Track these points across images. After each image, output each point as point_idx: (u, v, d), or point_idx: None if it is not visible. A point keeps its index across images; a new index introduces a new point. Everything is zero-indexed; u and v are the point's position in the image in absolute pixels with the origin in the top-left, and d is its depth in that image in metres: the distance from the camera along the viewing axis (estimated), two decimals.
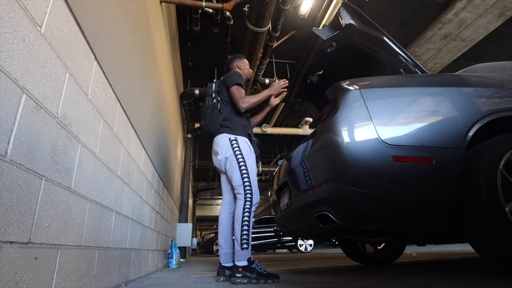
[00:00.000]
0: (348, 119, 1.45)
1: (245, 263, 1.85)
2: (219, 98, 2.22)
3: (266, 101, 2.38)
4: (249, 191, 1.98)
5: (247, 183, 2.00)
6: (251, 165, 2.06)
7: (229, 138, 2.09)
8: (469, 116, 1.45)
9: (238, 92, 2.13)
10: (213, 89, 2.29)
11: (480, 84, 1.66)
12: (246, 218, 1.93)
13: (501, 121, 1.47)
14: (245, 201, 1.97)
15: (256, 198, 2.01)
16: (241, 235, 1.90)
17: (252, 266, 1.85)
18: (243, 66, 2.40)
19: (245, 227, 1.91)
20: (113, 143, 1.59)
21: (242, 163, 2.03)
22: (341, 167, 1.41)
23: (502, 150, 1.35)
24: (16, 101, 0.79)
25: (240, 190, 2.00)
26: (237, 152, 2.05)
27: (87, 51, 1.24)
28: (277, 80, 2.23)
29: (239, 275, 1.83)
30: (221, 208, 2.22)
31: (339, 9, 2.03)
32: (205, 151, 11.14)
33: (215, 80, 2.41)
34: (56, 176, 0.99)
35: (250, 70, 2.46)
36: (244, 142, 2.11)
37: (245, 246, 1.88)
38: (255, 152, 2.21)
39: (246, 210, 1.94)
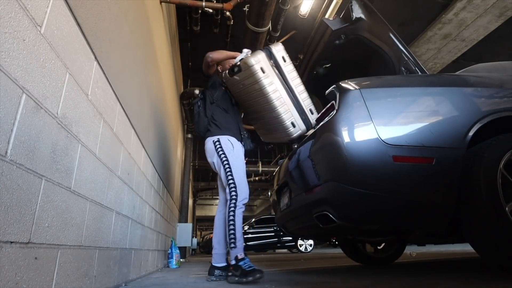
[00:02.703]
0: (348, 119, 1.45)
1: (234, 262, 1.88)
2: (204, 103, 2.29)
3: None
4: (233, 189, 2.00)
5: (230, 181, 2.02)
6: (234, 161, 2.07)
7: (213, 141, 2.14)
8: (469, 116, 1.45)
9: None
10: (199, 97, 2.36)
11: (480, 84, 1.66)
12: (231, 218, 1.94)
13: (501, 121, 1.47)
14: (230, 200, 1.99)
15: (243, 194, 2.01)
16: (229, 235, 1.93)
17: (239, 263, 1.85)
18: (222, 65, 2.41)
19: (231, 226, 1.93)
20: (113, 143, 1.59)
21: (225, 162, 2.06)
22: (341, 167, 1.41)
23: (502, 150, 1.35)
24: (16, 101, 0.79)
25: (227, 189, 2.03)
26: (220, 153, 2.09)
27: (87, 51, 1.24)
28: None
29: (230, 273, 1.88)
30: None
31: (351, 2, 2.03)
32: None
33: (202, 89, 2.46)
34: (56, 176, 0.99)
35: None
36: (226, 141, 2.13)
37: (232, 245, 1.90)
38: (247, 146, 2.25)
39: (231, 209, 1.96)
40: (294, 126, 2.10)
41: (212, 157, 2.15)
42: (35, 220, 0.87)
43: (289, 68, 2.16)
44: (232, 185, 2.01)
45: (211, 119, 2.22)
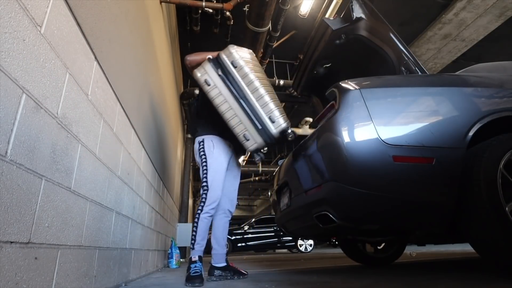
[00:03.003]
0: (348, 119, 1.45)
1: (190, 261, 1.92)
2: (198, 104, 2.30)
3: None
4: (205, 191, 2.00)
5: (204, 182, 2.02)
6: (212, 163, 2.05)
7: (198, 141, 2.14)
8: (469, 116, 1.45)
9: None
10: (195, 99, 2.40)
11: (480, 84, 1.66)
12: (195, 220, 1.97)
13: (501, 121, 1.47)
14: (200, 202, 2.01)
15: (212, 198, 1.98)
16: (191, 235, 1.97)
17: (190, 265, 1.87)
18: None
19: (194, 228, 1.96)
20: (113, 143, 1.59)
21: (204, 162, 2.06)
22: (341, 167, 1.41)
23: (502, 150, 1.35)
24: (16, 101, 0.79)
25: (200, 190, 2.05)
26: (201, 153, 2.09)
27: (87, 51, 1.24)
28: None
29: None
30: None
31: (351, 2, 2.02)
32: None
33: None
34: (56, 176, 0.99)
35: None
36: (209, 141, 2.11)
37: (191, 246, 1.95)
38: (237, 145, 2.20)
39: (198, 211, 1.98)
40: (247, 139, 1.91)
41: (197, 159, 2.18)
42: (35, 220, 0.87)
43: (242, 73, 1.92)
44: (205, 187, 2.01)
45: (202, 120, 2.23)
